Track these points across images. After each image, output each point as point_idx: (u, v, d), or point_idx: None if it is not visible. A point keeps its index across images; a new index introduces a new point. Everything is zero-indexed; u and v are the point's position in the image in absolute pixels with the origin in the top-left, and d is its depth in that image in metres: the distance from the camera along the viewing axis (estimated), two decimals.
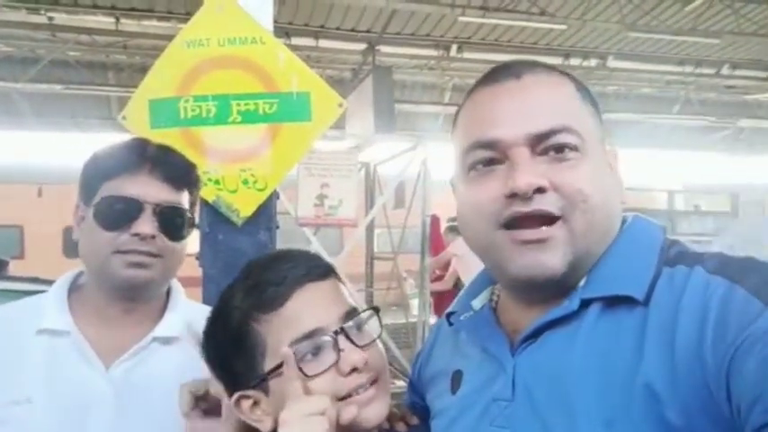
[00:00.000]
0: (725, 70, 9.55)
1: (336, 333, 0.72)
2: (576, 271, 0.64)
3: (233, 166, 1.62)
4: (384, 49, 7.94)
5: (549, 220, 0.62)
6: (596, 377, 0.59)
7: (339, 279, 0.80)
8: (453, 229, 4.89)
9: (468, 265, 4.75)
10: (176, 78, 1.61)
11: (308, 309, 0.74)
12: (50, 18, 6.87)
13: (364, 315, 0.77)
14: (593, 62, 8.62)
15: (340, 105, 1.69)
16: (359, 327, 0.75)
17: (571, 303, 0.63)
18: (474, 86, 0.70)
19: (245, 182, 1.63)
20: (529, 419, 0.62)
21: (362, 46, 7.97)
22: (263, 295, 0.75)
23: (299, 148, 1.68)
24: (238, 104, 1.62)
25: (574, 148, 0.63)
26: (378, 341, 0.76)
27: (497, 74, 0.67)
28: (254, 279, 0.79)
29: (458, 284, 5.10)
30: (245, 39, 1.62)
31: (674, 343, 0.55)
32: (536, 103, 0.64)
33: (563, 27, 6.79)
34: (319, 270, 0.77)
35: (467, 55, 8.35)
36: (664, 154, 12.07)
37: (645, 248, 0.64)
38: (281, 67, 1.64)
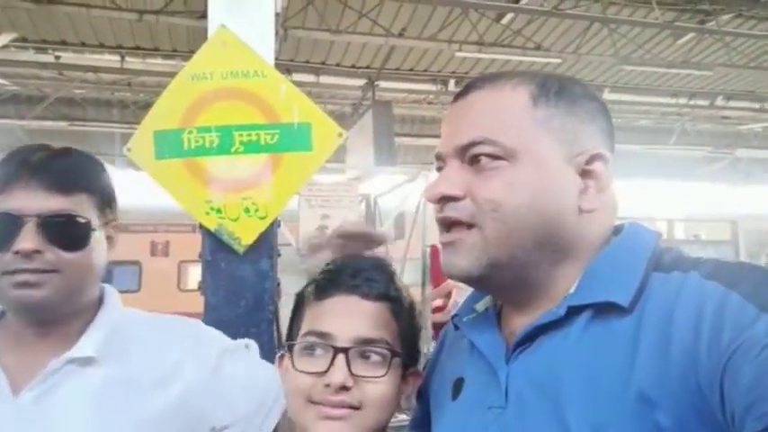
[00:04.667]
0: (719, 101, 9.70)
1: (341, 350, 0.75)
2: (502, 275, 0.66)
3: (235, 195, 1.66)
4: (383, 84, 8.10)
5: (466, 225, 0.66)
6: (588, 383, 0.59)
7: (394, 311, 0.80)
8: None
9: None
10: (180, 110, 1.66)
11: (335, 315, 0.79)
12: (57, 57, 7.05)
13: (378, 351, 0.77)
14: None
15: (340, 135, 1.73)
16: (366, 357, 0.76)
17: (559, 309, 0.64)
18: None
19: (247, 210, 1.66)
20: (521, 427, 0.63)
21: (362, 81, 8.13)
22: (319, 284, 0.83)
23: (299, 177, 1.72)
24: (240, 135, 1.66)
25: (495, 157, 0.66)
26: (381, 382, 0.76)
27: (458, 93, 0.74)
28: (332, 266, 0.86)
29: None
30: (248, 72, 1.68)
31: (668, 348, 0.56)
32: (466, 119, 0.69)
33: (558, 61, 6.95)
34: (373, 291, 0.80)
35: None
36: (663, 184, 12.14)
37: (633, 255, 0.65)
38: (282, 98, 1.69)
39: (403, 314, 0.81)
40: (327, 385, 0.74)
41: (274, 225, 1.73)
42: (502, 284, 0.68)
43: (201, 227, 1.72)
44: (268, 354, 1.74)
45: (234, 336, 1.68)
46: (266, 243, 1.71)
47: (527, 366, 0.65)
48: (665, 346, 0.56)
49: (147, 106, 8.71)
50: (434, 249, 4.36)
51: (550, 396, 0.61)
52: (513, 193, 0.64)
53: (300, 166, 1.71)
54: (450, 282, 4.93)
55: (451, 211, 0.67)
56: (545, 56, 6.64)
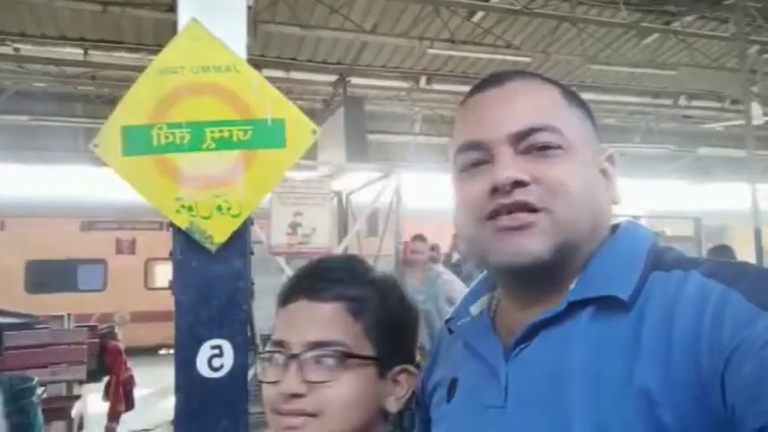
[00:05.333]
0: (682, 101, 9.96)
1: (292, 356, 0.73)
2: (563, 263, 0.64)
3: (207, 193, 1.62)
4: (355, 80, 8.07)
5: (531, 210, 0.64)
6: (590, 380, 0.59)
7: (354, 310, 0.76)
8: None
9: None
10: (149, 106, 1.61)
11: (290, 321, 0.76)
12: (17, 49, 6.80)
13: (330, 354, 0.73)
14: None
15: (313, 132, 1.71)
16: (320, 361, 0.73)
17: (557, 306, 0.64)
18: (464, 98, 0.73)
19: (219, 208, 1.63)
20: (522, 426, 0.62)
21: (333, 77, 8.09)
22: (282, 290, 0.81)
23: (273, 174, 1.69)
24: (212, 131, 1.63)
25: (556, 147, 0.65)
26: (337, 386, 0.72)
27: (483, 83, 0.71)
28: (299, 271, 0.83)
29: None
30: (219, 66, 1.64)
31: (669, 345, 0.56)
32: (516, 105, 0.67)
33: (528, 59, 7.03)
34: (326, 293, 0.76)
35: (436, 86, 8.54)
36: (628, 182, 12.42)
37: (632, 251, 0.65)
38: (254, 94, 1.66)
39: (370, 312, 0.77)
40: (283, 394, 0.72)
41: (247, 223, 1.70)
42: (553, 272, 0.65)
43: (172, 225, 1.68)
44: (242, 355, 1.71)
45: (206, 336, 1.66)
46: (239, 241, 1.68)
47: (528, 363, 0.64)
48: (666, 343, 0.56)
49: (112, 101, 8.49)
50: (406, 246, 4.37)
51: (552, 393, 0.60)
52: (577, 179, 0.64)
53: (274, 164, 1.68)
54: None
55: (524, 196, 0.63)
56: (515, 54, 6.70)
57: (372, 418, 0.76)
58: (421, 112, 9.95)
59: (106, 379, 4.86)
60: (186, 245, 1.65)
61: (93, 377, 4.55)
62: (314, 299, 0.76)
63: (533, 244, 0.63)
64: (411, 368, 0.80)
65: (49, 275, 9.11)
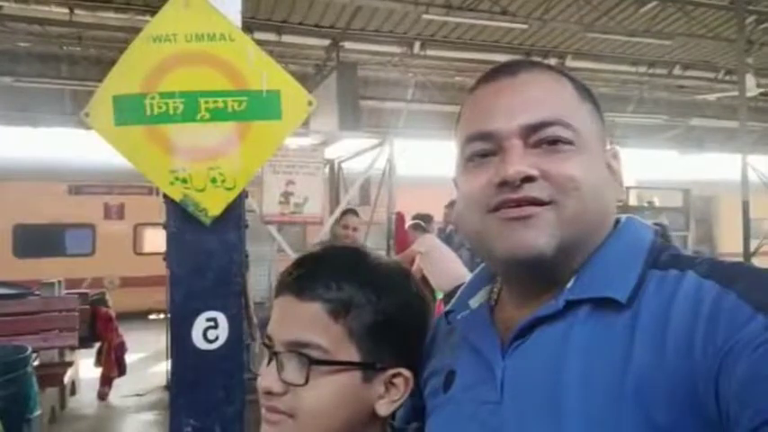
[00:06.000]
0: (676, 71, 9.91)
1: (274, 353, 0.72)
2: (565, 259, 0.64)
3: (201, 165, 1.59)
4: (348, 45, 7.92)
5: (538, 204, 0.63)
6: (584, 379, 0.59)
7: (333, 311, 0.71)
8: (417, 227, 4.92)
9: (432, 262, 4.80)
10: (141, 74, 1.57)
11: (276, 316, 0.75)
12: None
13: (305, 355, 0.70)
14: (552, 61, 8.80)
15: (310, 104, 1.68)
16: (296, 361, 0.71)
17: (557, 302, 0.63)
18: (474, 85, 0.72)
19: (214, 180, 1.60)
20: (516, 422, 0.62)
21: (326, 42, 7.93)
22: (277, 280, 0.79)
23: (268, 146, 1.67)
24: (206, 102, 1.59)
25: (567, 142, 0.64)
26: (307, 390, 0.69)
27: (495, 72, 0.70)
28: (293, 264, 0.78)
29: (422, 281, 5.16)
30: (214, 35, 1.60)
31: (664, 345, 0.56)
32: (530, 98, 0.66)
33: (524, 26, 6.91)
34: (307, 293, 0.72)
35: (430, 52, 8.40)
36: (620, 151, 12.40)
37: (632, 251, 0.65)
38: (250, 64, 1.62)
39: (356, 314, 0.72)
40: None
41: (242, 196, 1.68)
42: (554, 268, 0.65)
43: (165, 197, 1.66)
44: (236, 327, 1.72)
45: (201, 309, 1.66)
46: (234, 214, 1.66)
47: (524, 360, 0.64)
48: (660, 343, 0.56)
49: (98, 62, 8.31)
50: (399, 215, 4.35)
51: (547, 391, 0.60)
52: (587, 176, 0.64)
53: (269, 135, 1.65)
54: (413, 248, 4.97)
55: (532, 191, 0.63)
56: (511, 21, 6.59)
57: (358, 421, 0.73)
58: (414, 79, 9.82)
59: (98, 345, 4.89)
60: (180, 217, 1.63)
61: (84, 343, 4.58)
62: (298, 296, 0.73)
63: (538, 237, 0.63)
64: (406, 372, 0.75)
65: (37, 240, 9.04)
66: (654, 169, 12.73)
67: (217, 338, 1.66)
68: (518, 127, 0.64)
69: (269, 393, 0.71)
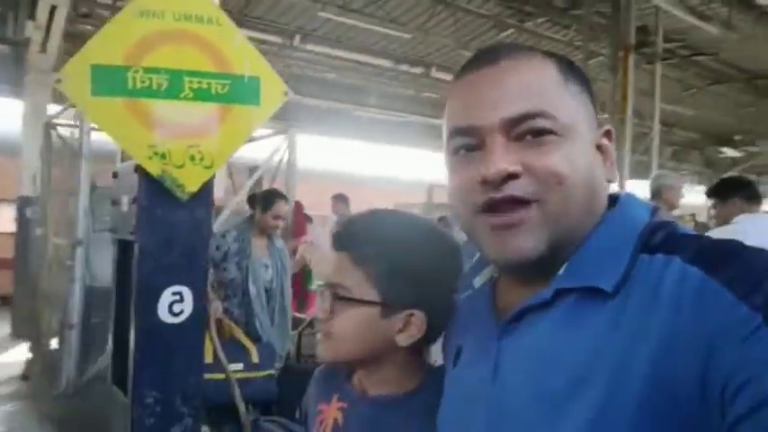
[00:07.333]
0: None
1: (322, 289, 0.95)
2: (556, 252, 0.65)
3: (181, 142, 1.63)
4: None
5: (524, 203, 0.63)
6: (568, 366, 0.60)
7: (356, 258, 0.90)
8: (340, 198, 5.75)
9: (318, 252, 4.99)
10: (125, 46, 1.57)
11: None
12: None
13: (333, 292, 0.92)
14: (419, 70, 9.39)
15: (285, 94, 1.80)
16: (322, 297, 0.93)
17: (546, 292, 0.64)
18: (458, 72, 0.70)
19: (192, 158, 1.65)
20: (506, 402, 0.64)
21: None
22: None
23: (246, 129, 1.75)
24: (191, 81, 1.64)
25: (550, 132, 0.63)
26: (333, 320, 0.89)
27: (477, 60, 0.68)
28: (336, 227, 1.01)
29: (305, 270, 5.33)
30: (202, 17, 1.65)
31: (647, 335, 0.56)
32: (511, 88, 0.64)
33: (408, 36, 7.30)
34: (337, 242, 0.94)
35: (309, 47, 8.50)
36: (419, 152, 12.85)
37: (623, 235, 0.64)
38: (234, 49, 1.69)
39: (373, 262, 0.89)
40: None
41: (214, 175, 1.74)
42: (546, 261, 0.64)
43: (139, 171, 1.66)
44: (200, 301, 1.77)
45: (168, 283, 1.69)
46: (205, 191, 1.71)
47: (513, 345, 0.66)
48: (644, 332, 0.56)
49: None
50: (297, 204, 4.45)
51: (531, 378, 0.63)
52: (572, 167, 0.63)
53: (247, 120, 1.73)
54: (303, 256, 5.13)
55: (514, 190, 0.63)
56: (395, 29, 6.97)
57: (381, 348, 0.89)
58: (288, 71, 9.82)
59: None
60: (153, 192, 1.65)
61: None
62: (335, 248, 0.94)
63: (527, 242, 0.63)
64: (418, 313, 0.87)
65: None
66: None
67: (182, 312, 1.71)
68: (500, 120, 0.64)
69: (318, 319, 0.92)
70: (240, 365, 2.97)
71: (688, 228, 0.67)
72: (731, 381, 0.50)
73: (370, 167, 12.38)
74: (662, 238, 0.62)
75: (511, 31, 8.61)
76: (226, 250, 3.31)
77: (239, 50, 1.70)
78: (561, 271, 0.64)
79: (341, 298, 0.89)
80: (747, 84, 11.15)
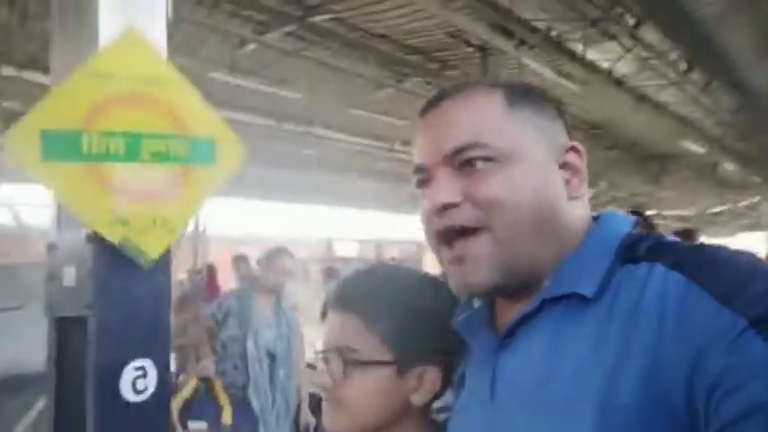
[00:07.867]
0: (397, 146, 11.61)
1: (325, 354, 0.91)
2: (521, 274, 0.66)
3: (142, 206, 1.56)
4: None
5: (472, 231, 0.65)
6: (558, 382, 0.60)
7: (365, 319, 0.87)
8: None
9: None
10: (79, 110, 1.50)
11: (326, 329, 0.93)
12: None
13: (327, 355, 0.89)
14: (302, 129, 9.60)
15: (241, 153, 1.79)
16: (327, 362, 0.89)
17: (534, 303, 0.65)
18: (418, 116, 0.76)
19: (155, 222, 1.58)
20: (504, 417, 0.65)
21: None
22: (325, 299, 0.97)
23: (205, 190, 1.71)
24: (149, 144, 1.58)
25: (487, 159, 0.66)
26: (341, 386, 0.86)
27: (426, 104, 0.75)
28: (331, 286, 0.98)
29: None
30: (158, 79, 1.61)
31: (630, 341, 0.56)
32: (447, 126, 0.69)
33: (299, 96, 7.41)
34: (341, 302, 0.91)
35: None
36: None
37: (602, 245, 0.65)
38: (191, 110, 1.67)
39: (384, 319, 0.86)
40: None
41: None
42: (516, 286, 0.67)
43: (94, 239, 1.55)
44: (164, 376, 1.64)
45: (129, 358, 1.56)
46: (164, 257, 1.64)
47: (507, 363, 0.67)
48: (627, 340, 0.56)
49: None
50: (210, 267, 4.27)
51: (522, 395, 0.64)
52: (510, 191, 0.65)
53: (207, 180, 1.70)
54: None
55: (454, 218, 0.66)
56: (288, 89, 7.07)
57: (396, 410, 0.86)
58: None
59: None
60: (111, 260, 1.55)
61: None
62: (333, 307, 0.93)
63: (477, 277, 0.65)
64: (432, 369, 0.86)
65: None
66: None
67: (146, 389, 1.58)
68: (442, 158, 0.69)
69: (323, 389, 0.89)
70: (203, 425, 2.69)
71: (672, 237, 0.69)
72: (717, 388, 0.50)
73: (268, 226, 12.20)
74: (646, 247, 0.63)
75: (389, 90, 9.11)
76: (228, 307, 3.21)
77: (196, 111, 1.68)
78: (547, 282, 0.66)
79: (352, 361, 0.85)
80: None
